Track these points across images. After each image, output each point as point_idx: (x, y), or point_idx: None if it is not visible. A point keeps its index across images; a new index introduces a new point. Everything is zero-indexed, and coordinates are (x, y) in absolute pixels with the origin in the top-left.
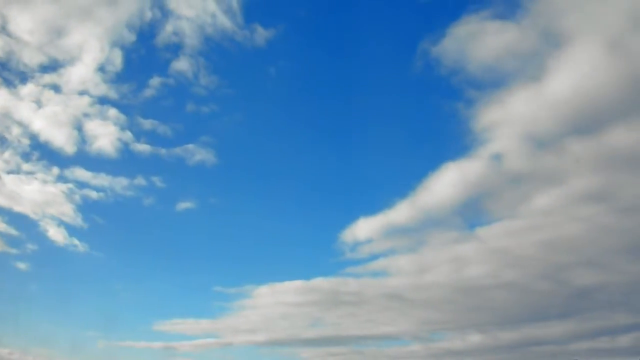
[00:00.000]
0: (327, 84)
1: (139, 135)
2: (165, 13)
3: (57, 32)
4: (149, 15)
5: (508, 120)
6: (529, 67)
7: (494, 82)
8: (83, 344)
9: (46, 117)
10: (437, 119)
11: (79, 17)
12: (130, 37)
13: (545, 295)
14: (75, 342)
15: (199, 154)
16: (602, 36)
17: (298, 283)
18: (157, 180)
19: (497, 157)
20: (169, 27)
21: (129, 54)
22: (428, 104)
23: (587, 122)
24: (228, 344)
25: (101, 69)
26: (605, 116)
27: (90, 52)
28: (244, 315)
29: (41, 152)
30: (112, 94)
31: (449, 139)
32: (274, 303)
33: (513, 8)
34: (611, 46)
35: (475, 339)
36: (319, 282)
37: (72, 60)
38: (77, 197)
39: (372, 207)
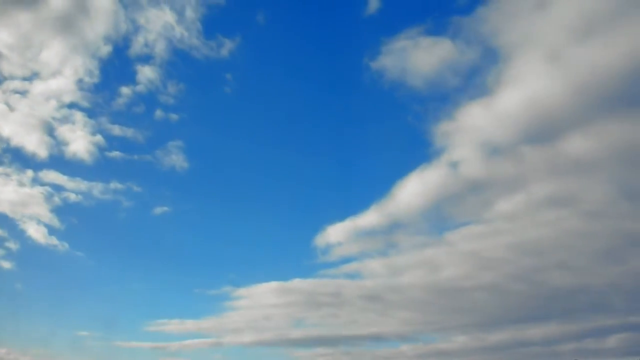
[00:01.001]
0: (287, 96)
1: (112, 140)
2: (137, 27)
3: (38, 45)
4: (123, 28)
5: (465, 132)
6: (474, 81)
7: (443, 95)
8: (74, 343)
9: (18, 122)
10: (396, 132)
11: (60, 31)
12: (107, 49)
13: (525, 296)
14: (67, 342)
15: (170, 159)
16: (541, 50)
17: (278, 284)
18: (131, 185)
19: (457, 166)
20: (140, 39)
21: (104, 64)
22: (384, 116)
23: (540, 130)
24: (217, 344)
25: (78, 79)
26: (558, 125)
27: (68, 64)
28: (229, 316)
29: (13, 155)
30: (86, 102)
31: (412, 151)
32: (257, 304)
33: (446, 25)
34: (552, 59)
35: (461, 339)
36: (297, 283)
37: (52, 73)
38: (54, 200)
39: (343, 213)
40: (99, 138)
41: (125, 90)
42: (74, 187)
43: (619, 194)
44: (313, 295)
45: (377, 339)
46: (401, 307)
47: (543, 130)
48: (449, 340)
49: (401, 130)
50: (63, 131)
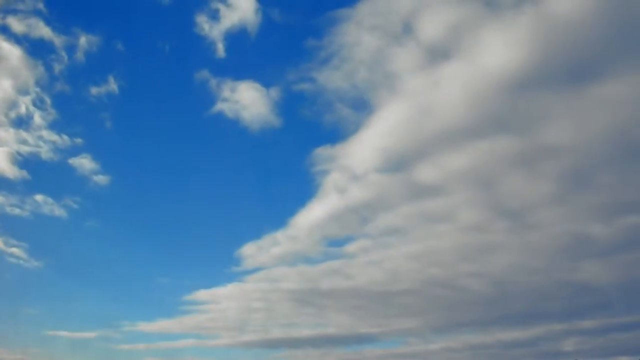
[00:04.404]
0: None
1: (29, 157)
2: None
3: None
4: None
5: (342, 166)
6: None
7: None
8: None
9: None
10: (278, 170)
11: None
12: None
13: (462, 302)
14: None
15: (89, 174)
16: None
17: (211, 291)
18: (59, 198)
19: (341, 193)
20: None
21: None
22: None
23: (395, 162)
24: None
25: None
26: (410, 157)
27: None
28: (181, 320)
29: None
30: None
31: (299, 184)
32: (201, 309)
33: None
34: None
35: (417, 342)
36: (231, 288)
37: None
38: None
39: (256, 232)
40: (17, 155)
41: (38, 116)
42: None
43: (488, 212)
44: (246, 301)
45: (334, 340)
46: (337, 311)
47: (397, 162)
48: (405, 343)
49: (283, 169)
50: None
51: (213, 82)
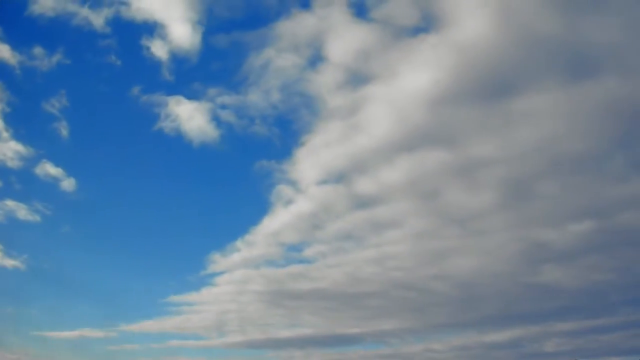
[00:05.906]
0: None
1: None
2: None
3: None
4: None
5: (286, 179)
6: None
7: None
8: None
9: None
10: (236, 187)
11: None
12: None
13: (429, 304)
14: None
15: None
16: None
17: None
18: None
19: (289, 203)
20: None
21: None
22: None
23: (334, 175)
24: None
25: None
26: (347, 171)
27: None
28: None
29: None
30: None
31: (256, 194)
32: (180, 310)
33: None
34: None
35: (396, 342)
36: (205, 292)
37: None
38: None
39: (223, 241)
40: None
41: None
42: None
43: (435, 219)
44: (222, 303)
45: (317, 341)
46: (308, 312)
47: (336, 175)
48: (388, 344)
49: (235, 181)
50: None
51: (157, 99)
